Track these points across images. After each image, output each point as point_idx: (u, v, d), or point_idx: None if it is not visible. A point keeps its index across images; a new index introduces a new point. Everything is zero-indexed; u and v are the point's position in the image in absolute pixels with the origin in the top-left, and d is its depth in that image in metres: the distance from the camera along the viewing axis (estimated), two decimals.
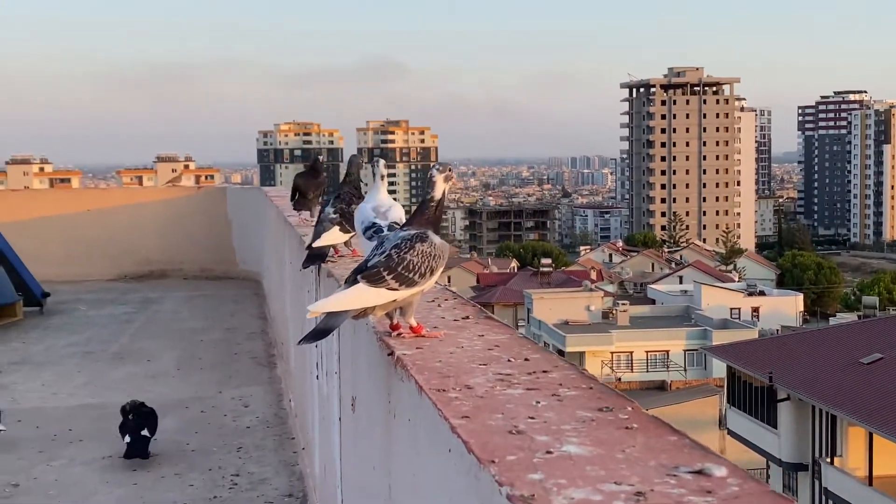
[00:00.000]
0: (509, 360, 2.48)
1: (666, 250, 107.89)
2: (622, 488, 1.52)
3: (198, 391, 8.62)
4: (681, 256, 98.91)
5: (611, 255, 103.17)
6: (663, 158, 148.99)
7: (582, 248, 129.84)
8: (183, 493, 6.02)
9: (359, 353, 3.41)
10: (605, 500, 1.48)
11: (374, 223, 3.65)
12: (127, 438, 6.49)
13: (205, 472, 6.43)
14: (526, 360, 2.49)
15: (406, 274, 2.66)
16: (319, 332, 2.68)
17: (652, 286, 74.25)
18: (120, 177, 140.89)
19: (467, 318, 3.12)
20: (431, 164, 3.05)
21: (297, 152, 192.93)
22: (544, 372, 2.35)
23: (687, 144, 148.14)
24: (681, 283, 73.97)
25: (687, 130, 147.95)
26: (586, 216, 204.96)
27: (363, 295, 2.64)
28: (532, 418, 1.95)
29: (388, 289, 2.65)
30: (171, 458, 6.71)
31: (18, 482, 6.27)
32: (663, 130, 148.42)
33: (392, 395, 2.63)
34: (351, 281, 2.70)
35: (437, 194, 2.82)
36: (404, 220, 3.61)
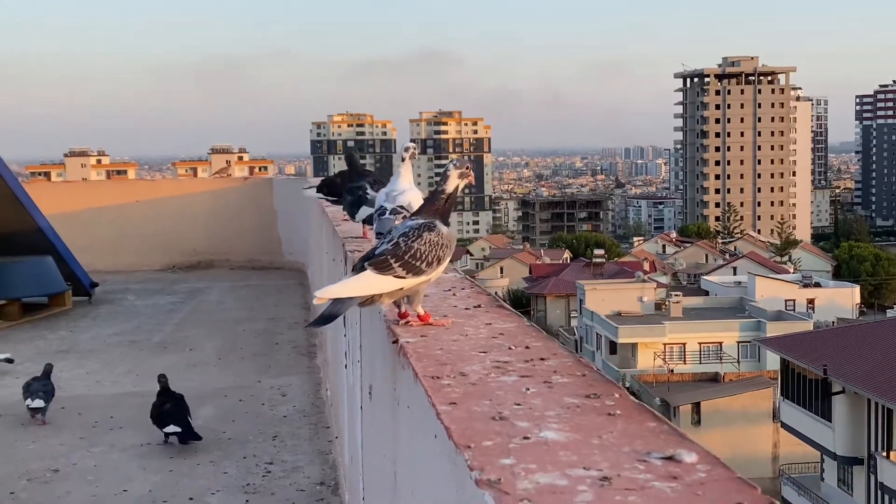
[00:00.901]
0: (510, 348, 2.48)
1: (720, 241, 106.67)
2: (589, 473, 1.51)
3: (237, 380, 8.72)
4: (735, 247, 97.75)
5: (664, 246, 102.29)
6: (717, 149, 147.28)
7: (635, 239, 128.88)
8: (217, 481, 6.09)
9: (374, 341, 3.43)
10: (569, 485, 1.47)
11: (382, 206, 3.66)
12: (172, 428, 6.58)
13: (239, 459, 6.50)
14: (527, 347, 2.48)
15: (413, 262, 2.67)
16: (325, 318, 2.71)
17: (705, 277, 73.52)
18: (175, 168, 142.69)
19: (479, 306, 3.12)
20: (461, 157, 3.06)
21: (350, 143, 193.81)
22: (542, 359, 2.34)
23: (742, 135, 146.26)
24: (735, 274, 73.16)
25: (742, 120, 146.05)
26: (640, 207, 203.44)
27: (370, 282, 2.66)
28: (518, 405, 1.94)
29: (395, 276, 2.66)
30: (207, 445, 6.79)
31: (58, 468, 6.39)
32: (717, 121, 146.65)
33: (397, 382, 2.64)
34: (359, 268, 2.72)
35: (449, 188, 2.82)
36: (414, 206, 3.62)
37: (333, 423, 6.82)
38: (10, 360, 8.63)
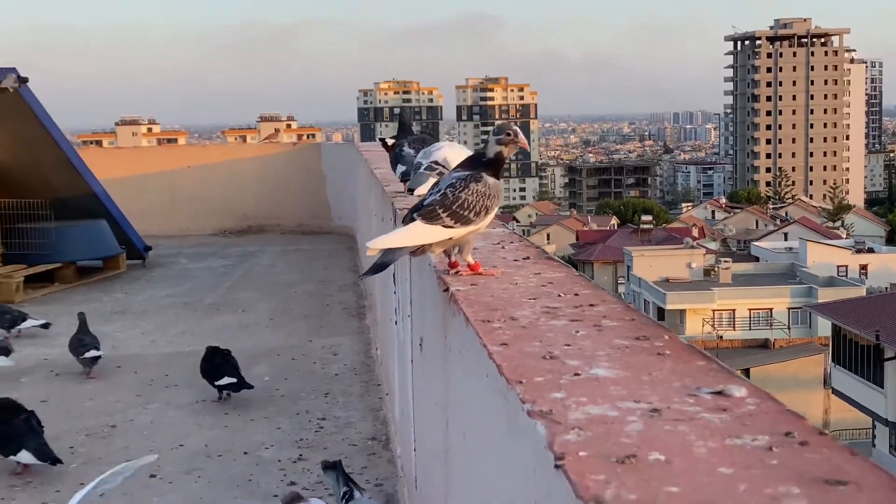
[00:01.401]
0: (559, 296, 2.51)
1: (770, 207, 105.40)
2: (639, 406, 1.55)
3: (289, 340, 8.85)
4: (786, 213, 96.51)
5: (713, 212, 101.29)
6: (769, 113, 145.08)
7: (684, 205, 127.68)
8: (270, 436, 6.22)
9: (425, 294, 3.48)
10: (619, 416, 1.50)
11: (418, 162, 3.70)
12: (227, 380, 6.75)
13: (292, 416, 6.63)
14: (576, 294, 2.51)
15: (461, 212, 2.70)
16: (377, 267, 2.76)
17: (755, 243, 72.76)
18: (224, 136, 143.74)
19: (527, 258, 3.15)
20: (506, 122, 3.07)
21: (397, 110, 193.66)
22: (591, 305, 2.37)
23: (794, 98, 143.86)
24: (786, 240, 72.28)
25: (794, 84, 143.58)
26: (688, 172, 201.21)
27: (419, 232, 2.70)
28: (568, 345, 1.98)
29: (443, 226, 2.70)
30: (260, 402, 6.93)
31: (115, 423, 6.56)
32: (769, 84, 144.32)
33: (448, 329, 2.69)
34: (408, 219, 2.76)
35: (490, 154, 2.83)
36: (451, 162, 3.65)
37: (384, 380, 6.92)
38: (46, 326, 8.84)
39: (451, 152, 3.89)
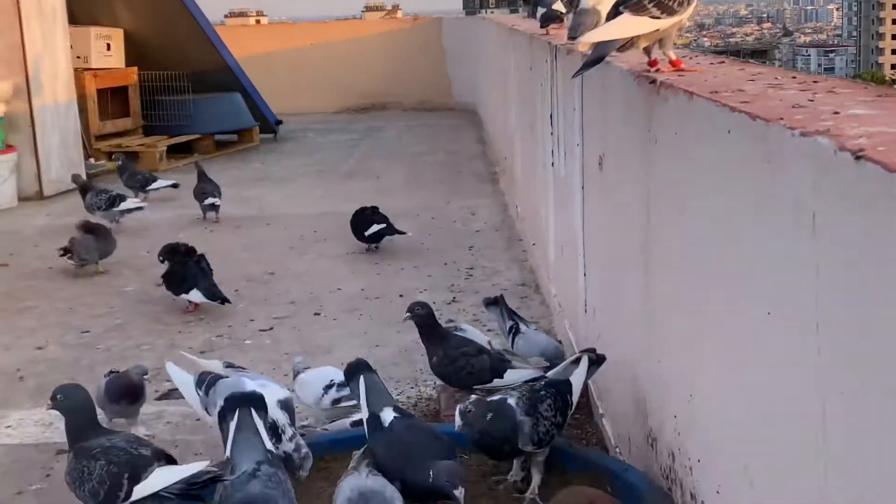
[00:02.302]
0: (776, 78, 2.51)
1: None
2: None
3: (427, 202, 9.00)
4: None
5: None
6: None
7: None
8: (422, 282, 6.41)
9: (609, 105, 3.51)
10: None
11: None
12: (376, 227, 6.97)
13: (441, 265, 6.80)
14: (793, 77, 2.51)
15: (666, 2, 2.71)
16: (592, 62, 2.78)
17: None
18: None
19: (722, 62, 3.14)
20: None
21: None
22: (814, 82, 2.37)
23: None
24: None
25: None
26: (809, 56, 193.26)
27: (628, 24, 2.72)
28: (811, 100, 2.00)
29: (650, 17, 2.71)
30: (408, 254, 7.12)
31: (274, 271, 6.84)
32: None
33: (652, 121, 2.72)
34: (614, 14, 2.78)
35: None
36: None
37: (528, 234, 7.01)
38: (175, 185, 9.18)
39: None
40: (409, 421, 2.96)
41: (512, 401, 3.00)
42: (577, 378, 3.12)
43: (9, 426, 4.38)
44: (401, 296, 6.12)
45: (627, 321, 3.22)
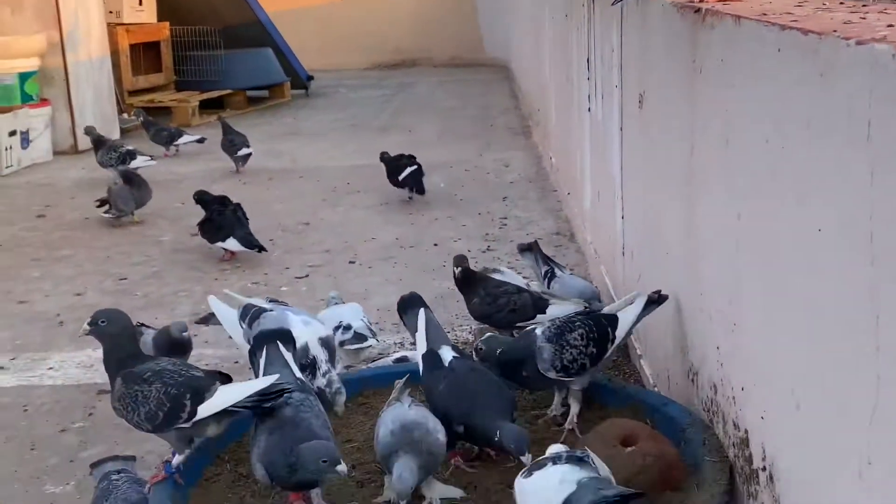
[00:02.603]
0: (823, 3, 2.46)
1: None
2: None
3: (460, 155, 8.97)
4: None
5: None
6: None
7: None
8: (457, 231, 6.40)
9: (649, 41, 3.46)
10: None
11: None
12: (408, 170, 7.03)
13: (475, 216, 6.78)
14: (841, 3, 2.46)
15: None
16: None
17: None
18: None
19: None
20: None
21: None
22: (863, 6, 2.32)
23: None
24: None
25: None
26: None
27: None
28: (863, 18, 1.96)
29: None
30: (441, 204, 7.11)
31: (308, 221, 6.86)
32: None
33: (697, 51, 2.68)
34: None
35: None
36: None
37: (562, 185, 6.98)
38: (202, 140, 9.21)
39: None
40: (470, 363, 2.93)
41: (539, 329, 2.98)
42: (628, 315, 3.00)
43: (51, 368, 4.44)
44: (435, 244, 6.12)
45: (668, 258, 3.20)
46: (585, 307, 3.63)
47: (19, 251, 6.43)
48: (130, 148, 7.93)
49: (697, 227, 2.77)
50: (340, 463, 2.44)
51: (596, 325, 2.95)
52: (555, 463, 2.20)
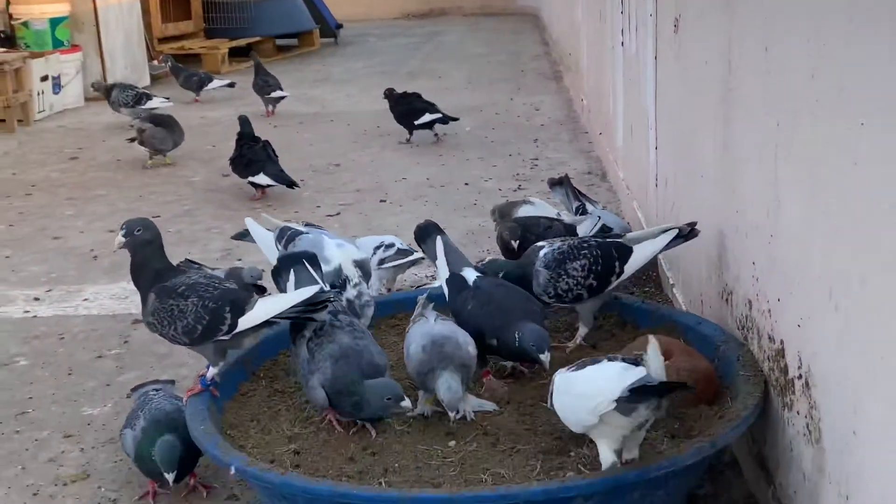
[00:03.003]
0: None
1: None
2: None
3: (490, 99, 8.92)
4: None
5: None
6: None
7: None
8: (487, 172, 6.38)
9: None
10: None
11: None
12: (428, 116, 7.03)
13: (506, 157, 6.75)
14: None
15: None
16: None
17: None
18: None
19: None
20: None
21: None
22: None
23: None
24: None
25: None
26: None
27: None
28: None
29: None
30: (472, 146, 7.09)
31: (339, 163, 6.85)
32: None
33: None
34: None
35: None
36: None
37: (594, 126, 6.92)
38: (232, 85, 9.23)
39: None
40: (494, 280, 2.92)
41: (543, 251, 2.95)
42: (645, 250, 2.92)
43: (86, 299, 4.49)
44: (466, 184, 6.11)
45: (703, 181, 3.17)
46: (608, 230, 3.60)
47: (53, 191, 6.48)
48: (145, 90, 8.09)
49: (734, 144, 2.74)
50: (404, 399, 2.47)
51: (603, 256, 2.89)
52: (610, 360, 2.20)
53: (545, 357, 2.58)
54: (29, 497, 2.96)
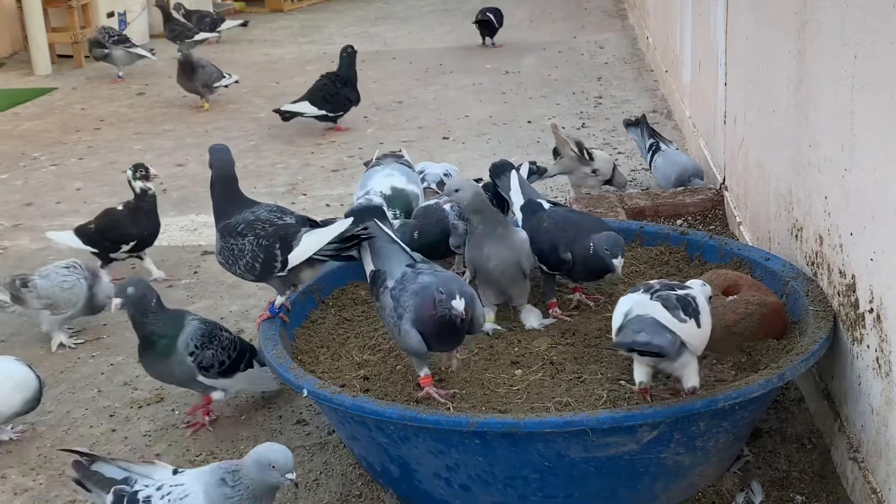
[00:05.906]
0: None
1: None
2: None
3: (553, 37, 8.82)
4: None
5: None
6: None
7: None
8: (550, 110, 6.33)
9: None
10: None
11: None
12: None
13: (569, 95, 6.70)
14: None
15: None
16: None
17: None
18: None
19: None
20: None
21: None
22: None
23: None
24: None
25: None
26: None
27: None
28: None
29: None
30: (535, 84, 7.04)
31: (402, 100, 6.86)
32: None
33: None
34: None
35: None
36: None
37: (660, 64, 6.82)
38: (245, 24, 9.32)
39: None
40: (568, 207, 2.99)
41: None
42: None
43: None
44: (529, 122, 6.08)
45: (774, 115, 3.12)
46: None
47: (122, 126, 6.58)
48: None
49: (808, 77, 2.70)
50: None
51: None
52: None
53: (618, 262, 2.58)
54: (105, 419, 3.07)
